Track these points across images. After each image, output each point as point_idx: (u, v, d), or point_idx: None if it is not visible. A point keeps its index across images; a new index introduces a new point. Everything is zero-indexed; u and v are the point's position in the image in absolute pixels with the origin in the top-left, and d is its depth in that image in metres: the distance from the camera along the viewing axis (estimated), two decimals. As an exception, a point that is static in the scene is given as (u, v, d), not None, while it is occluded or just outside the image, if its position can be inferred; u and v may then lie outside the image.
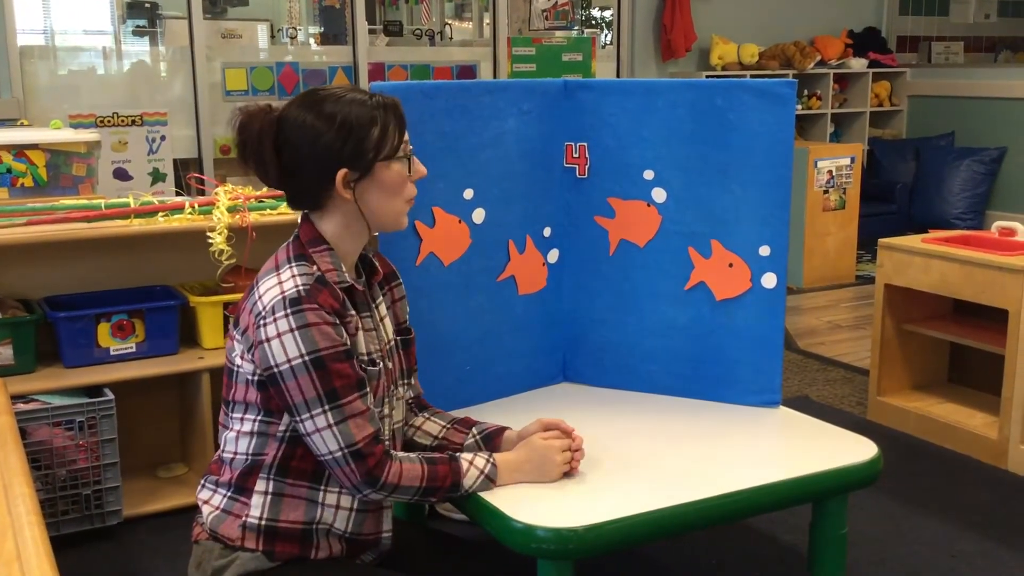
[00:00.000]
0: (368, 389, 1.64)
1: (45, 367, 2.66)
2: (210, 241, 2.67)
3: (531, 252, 2.31)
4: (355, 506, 1.69)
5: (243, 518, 1.66)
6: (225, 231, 2.68)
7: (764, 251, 2.18)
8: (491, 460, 1.75)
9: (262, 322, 1.60)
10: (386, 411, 1.76)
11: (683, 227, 2.25)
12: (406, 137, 1.70)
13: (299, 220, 1.73)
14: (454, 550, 1.91)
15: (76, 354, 2.66)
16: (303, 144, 1.63)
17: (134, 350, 2.72)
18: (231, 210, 2.72)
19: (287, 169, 1.66)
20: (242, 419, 1.68)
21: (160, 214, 2.74)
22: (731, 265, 2.21)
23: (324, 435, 1.59)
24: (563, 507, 1.72)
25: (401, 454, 1.68)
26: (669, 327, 2.29)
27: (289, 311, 1.58)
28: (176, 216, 2.75)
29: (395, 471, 1.63)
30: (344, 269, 1.69)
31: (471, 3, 6.89)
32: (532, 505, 1.72)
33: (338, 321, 1.62)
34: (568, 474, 1.82)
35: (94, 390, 2.62)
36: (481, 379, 2.25)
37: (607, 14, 7.24)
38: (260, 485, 1.66)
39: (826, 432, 2.14)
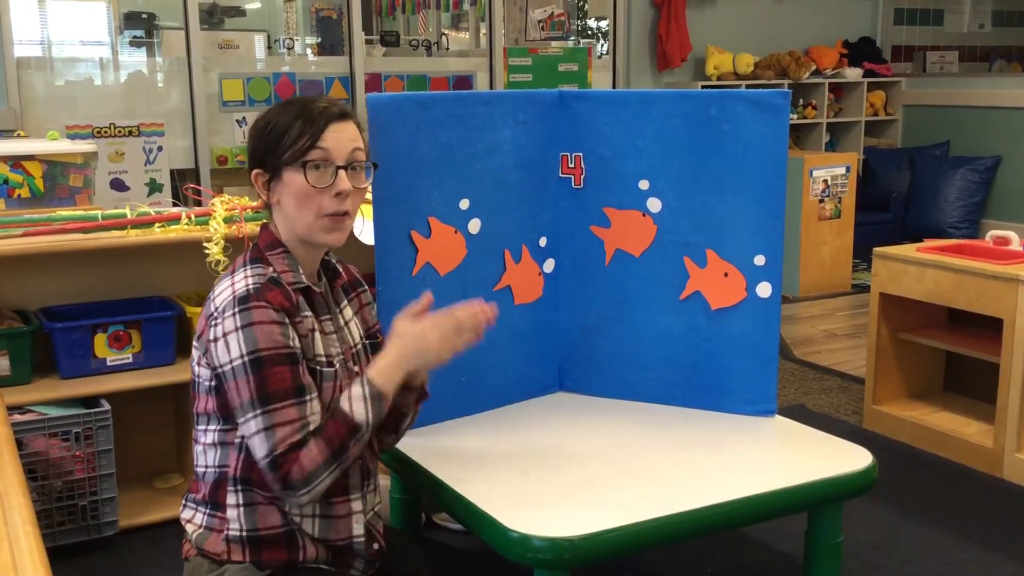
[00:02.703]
0: (310, 396, 1.59)
1: (41, 378, 2.66)
2: (207, 252, 2.67)
3: (527, 262, 2.32)
4: (317, 512, 1.67)
5: (225, 532, 1.65)
6: (221, 241, 2.68)
7: (759, 260, 2.19)
8: (366, 381, 1.62)
9: (213, 323, 1.59)
10: None
11: (678, 237, 2.25)
12: (326, 146, 1.61)
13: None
14: (449, 560, 1.91)
15: (72, 365, 2.66)
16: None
17: (130, 361, 2.72)
18: (227, 220, 2.73)
19: None
20: (206, 431, 1.67)
21: (157, 225, 2.75)
22: (726, 274, 2.22)
23: (254, 441, 1.55)
24: (559, 516, 1.73)
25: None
26: (665, 336, 2.30)
27: (236, 309, 1.56)
28: (173, 227, 2.75)
29: (299, 466, 1.54)
30: (302, 272, 1.68)
31: (468, 13, 6.91)
32: (528, 515, 1.72)
33: (287, 320, 1.59)
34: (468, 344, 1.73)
35: (90, 401, 2.61)
36: (477, 389, 2.25)
37: (603, 24, 7.26)
38: (231, 498, 1.65)
39: (821, 441, 2.14)
